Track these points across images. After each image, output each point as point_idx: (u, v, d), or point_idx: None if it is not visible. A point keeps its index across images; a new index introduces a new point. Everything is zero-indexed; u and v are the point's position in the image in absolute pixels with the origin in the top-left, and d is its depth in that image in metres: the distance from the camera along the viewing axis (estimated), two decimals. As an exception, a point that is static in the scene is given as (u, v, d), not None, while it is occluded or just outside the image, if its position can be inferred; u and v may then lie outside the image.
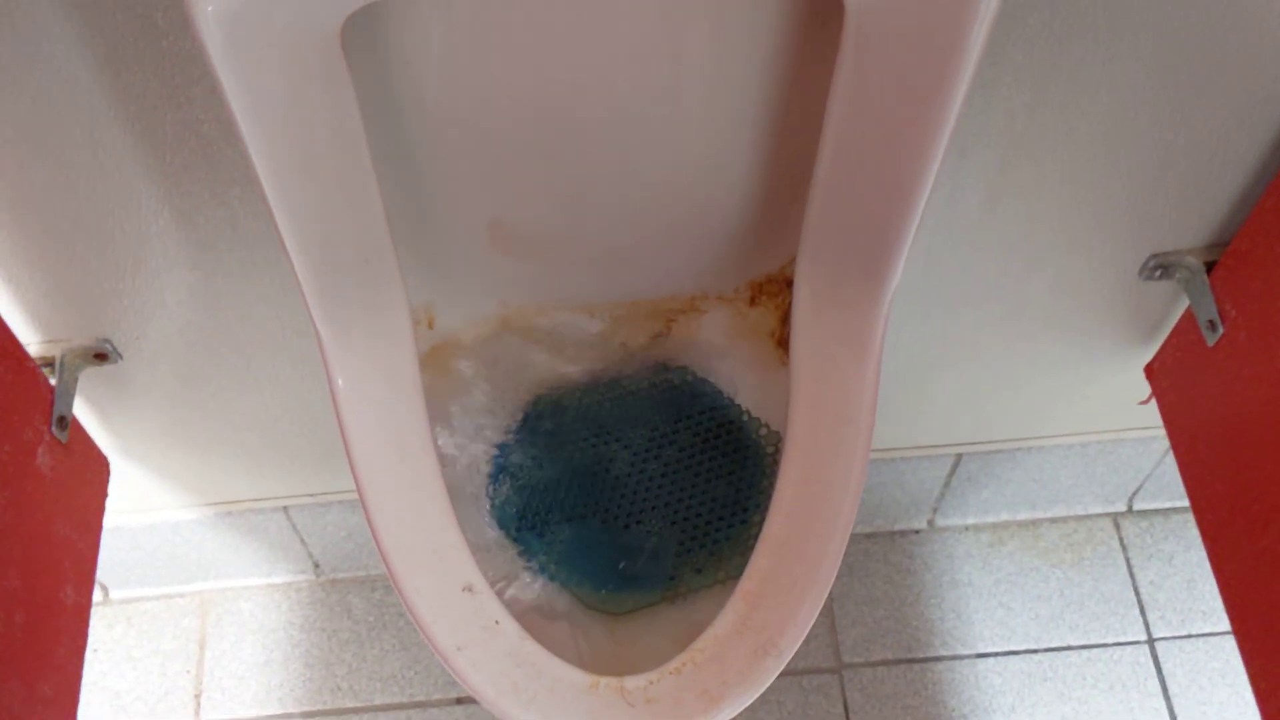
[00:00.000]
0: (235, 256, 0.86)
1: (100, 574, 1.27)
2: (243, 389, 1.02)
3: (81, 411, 1.02)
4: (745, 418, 0.79)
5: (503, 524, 0.75)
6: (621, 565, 0.74)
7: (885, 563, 1.35)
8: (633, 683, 0.64)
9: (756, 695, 0.64)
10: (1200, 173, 0.89)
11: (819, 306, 0.72)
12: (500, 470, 0.77)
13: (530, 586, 0.74)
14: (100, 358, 0.95)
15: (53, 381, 0.92)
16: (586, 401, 0.80)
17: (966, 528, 1.37)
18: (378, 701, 1.26)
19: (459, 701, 1.26)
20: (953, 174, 0.86)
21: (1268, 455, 0.90)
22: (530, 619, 0.69)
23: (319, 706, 1.26)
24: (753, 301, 0.83)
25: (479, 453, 0.78)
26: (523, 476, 0.77)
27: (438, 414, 0.79)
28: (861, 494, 0.69)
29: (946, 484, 1.29)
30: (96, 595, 1.32)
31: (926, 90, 0.57)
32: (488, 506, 0.76)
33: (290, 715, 1.26)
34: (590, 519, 0.75)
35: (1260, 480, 0.91)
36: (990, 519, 1.37)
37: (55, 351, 0.94)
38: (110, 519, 1.17)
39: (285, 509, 1.21)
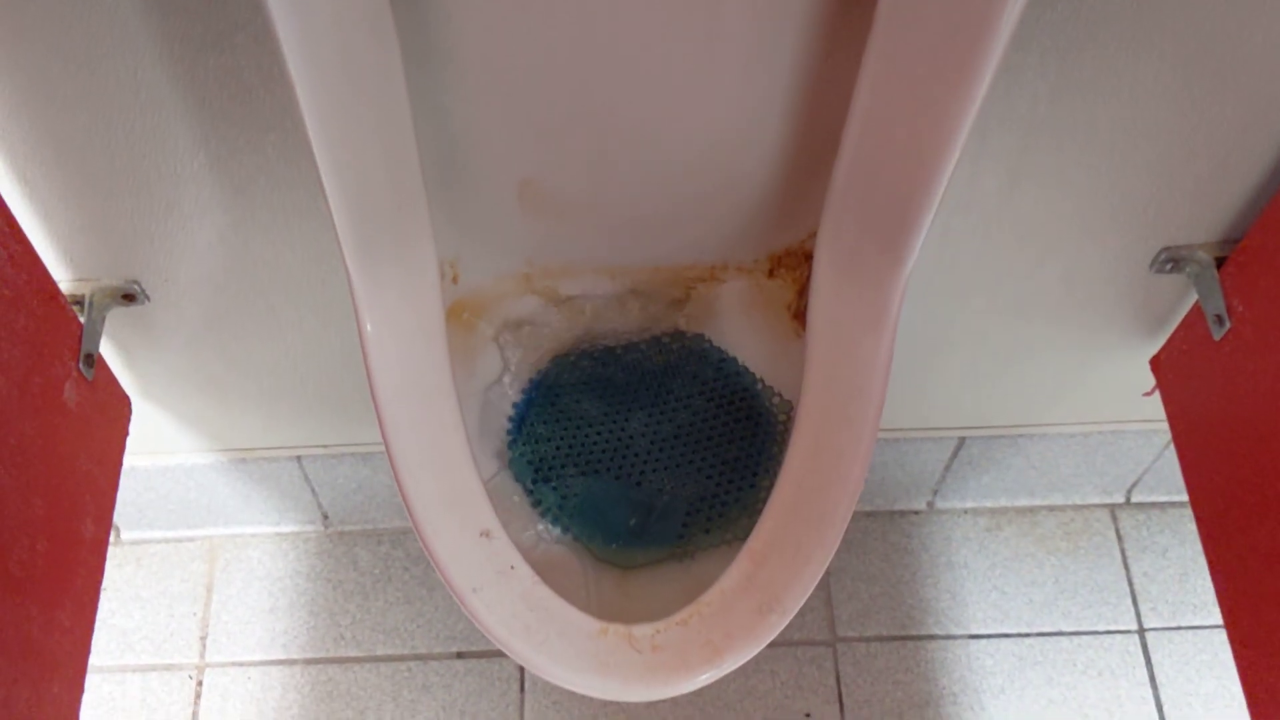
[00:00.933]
0: (266, 203, 0.88)
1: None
2: (265, 336, 1.04)
3: (107, 351, 1.04)
4: (759, 386, 0.81)
5: (519, 476, 0.77)
6: (632, 522, 0.76)
7: (884, 541, 1.37)
8: (640, 631, 0.66)
9: (758, 649, 0.66)
10: (1216, 168, 0.90)
11: (837, 279, 0.74)
12: (518, 425, 0.79)
13: (543, 538, 0.76)
14: (128, 298, 0.97)
15: (81, 320, 0.94)
16: (604, 362, 0.82)
17: (965, 511, 1.39)
18: (379, 652, 1.29)
19: (459, 656, 1.29)
20: (974, 156, 0.88)
21: (1268, 451, 0.92)
22: (543, 569, 0.71)
23: (321, 654, 1.29)
24: (771, 273, 0.85)
25: (497, 406, 0.80)
26: (539, 431, 0.79)
27: (459, 367, 0.81)
28: (870, 464, 0.71)
29: (948, 466, 1.31)
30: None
31: (955, 68, 0.59)
32: (505, 459, 0.78)
33: (293, 661, 1.28)
34: (603, 475, 0.77)
35: (1259, 475, 0.93)
36: (989, 504, 1.39)
37: (85, 290, 0.96)
38: (127, 460, 1.19)
39: (298, 458, 1.23)
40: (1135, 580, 1.35)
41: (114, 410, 1.02)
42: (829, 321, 0.74)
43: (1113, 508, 1.39)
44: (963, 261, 1.00)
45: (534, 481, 0.77)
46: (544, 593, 0.67)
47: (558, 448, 0.78)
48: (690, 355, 0.83)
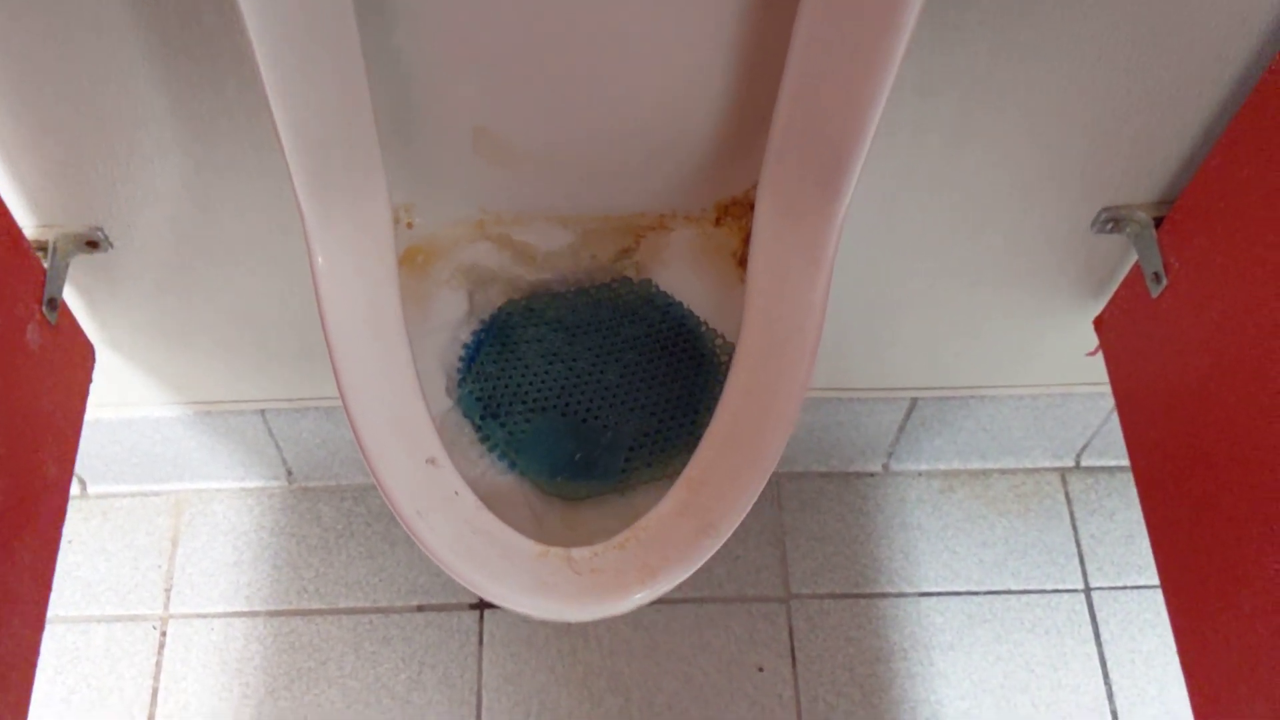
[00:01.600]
0: (227, 148, 0.90)
1: (79, 468, 1.31)
2: (228, 285, 1.06)
3: (72, 299, 1.06)
4: (703, 328, 0.84)
5: (468, 413, 0.80)
6: (577, 456, 0.78)
7: (839, 502, 1.40)
8: (579, 553, 0.68)
9: (692, 570, 0.69)
10: (1153, 128, 0.93)
11: (777, 222, 0.76)
12: (468, 364, 0.82)
13: (490, 472, 0.78)
14: (92, 245, 0.99)
15: (45, 265, 0.96)
16: (554, 305, 0.85)
17: (920, 473, 1.42)
18: (341, 605, 1.31)
19: (420, 609, 1.31)
20: (917, 115, 0.90)
21: (1200, 406, 0.95)
22: (490, 502, 0.73)
23: (284, 607, 1.31)
24: (718, 222, 0.88)
25: (449, 347, 0.83)
26: (488, 370, 0.81)
27: (412, 309, 0.83)
28: (804, 397, 0.73)
29: (901, 428, 1.34)
30: (74, 489, 1.36)
31: (878, 20, 0.62)
32: (456, 397, 0.81)
33: (256, 614, 1.31)
34: (550, 412, 0.80)
35: (1192, 431, 0.96)
36: (942, 466, 1.42)
37: (49, 236, 0.97)
38: (92, 412, 1.21)
39: (262, 412, 1.25)
40: (1083, 542, 1.38)
41: (77, 355, 1.04)
42: (768, 263, 0.77)
43: (1063, 471, 1.43)
44: (910, 222, 1.02)
45: (482, 417, 0.79)
46: (487, 517, 0.69)
47: (506, 385, 0.81)
48: (638, 300, 0.85)
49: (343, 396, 0.71)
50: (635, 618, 1.31)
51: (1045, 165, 0.97)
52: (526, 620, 1.31)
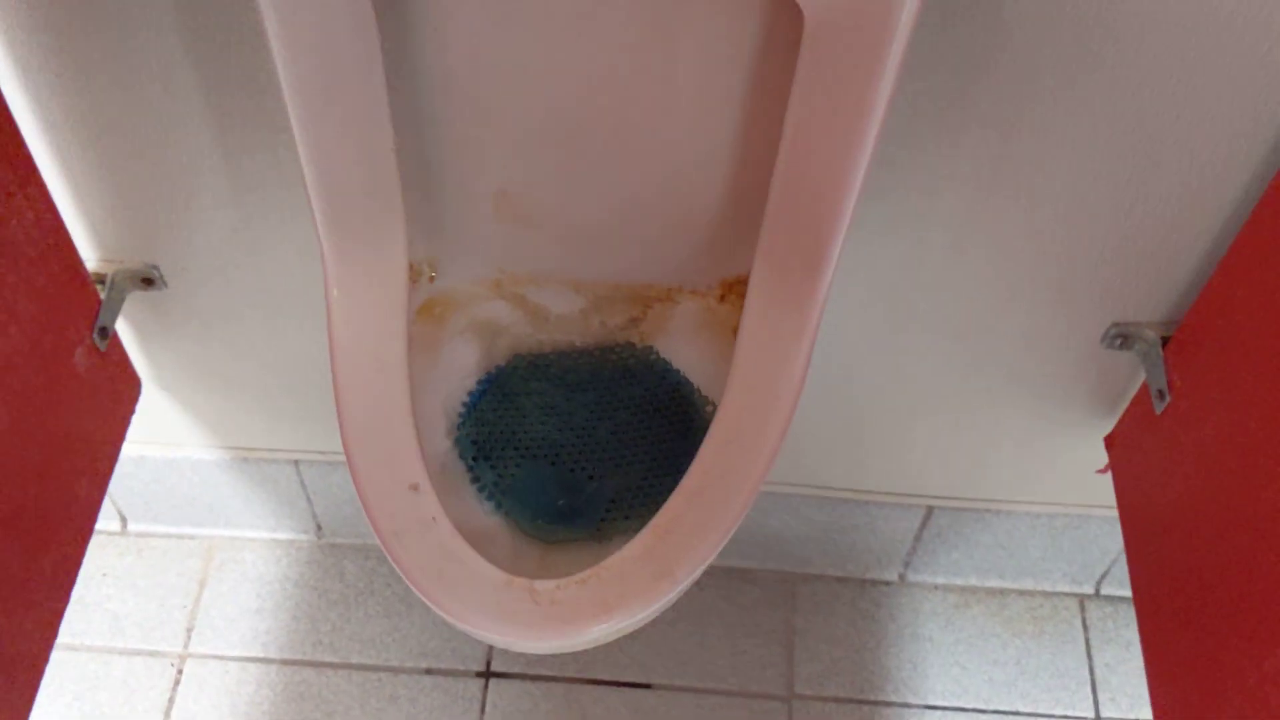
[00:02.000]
0: (275, 201, 0.97)
1: (122, 504, 1.37)
2: (271, 334, 1.12)
3: (126, 334, 1.13)
4: (696, 395, 0.88)
5: (462, 454, 0.84)
6: (560, 502, 0.82)
7: (852, 607, 1.40)
8: (542, 585, 0.71)
9: (648, 611, 0.71)
10: (1158, 246, 0.96)
11: (765, 296, 0.81)
12: (470, 410, 0.86)
13: (477, 510, 0.82)
14: (148, 282, 1.07)
15: (102, 296, 1.04)
16: (558, 363, 0.89)
17: (936, 586, 1.42)
18: (354, 661, 1.34)
19: (428, 672, 1.34)
20: (921, 214, 0.95)
21: (1200, 529, 0.94)
22: (472, 536, 0.76)
23: (299, 656, 1.34)
24: (722, 298, 0.92)
25: (454, 393, 0.87)
26: (487, 416, 0.85)
27: (424, 356, 0.88)
28: (775, 460, 0.76)
29: (918, 537, 1.35)
30: (115, 525, 1.43)
31: (857, 92, 0.66)
32: (452, 439, 0.85)
33: (271, 661, 1.34)
34: (540, 460, 0.84)
35: (1192, 555, 0.95)
36: (959, 581, 1.42)
37: (109, 270, 1.05)
38: (139, 449, 1.28)
39: (296, 463, 1.30)
40: (1097, 670, 1.36)
41: (123, 385, 1.10)
42: (754, 333, 0.80)
43: (1081, 598, 1.42)
44: (918, 321, 1.06)
45: (474, 459, 0.83)
46: (459, 545, 0.73)
47: (501, 432, 0.85)
48: (638, 363, 0.89)
49: (340, 418, 0.76)
50: (636, 703, 1.32)
51: (1052, 274, 1.00)
52: (530, 694, 1.33)
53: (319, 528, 1.42)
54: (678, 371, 0.89)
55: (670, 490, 0.80)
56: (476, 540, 0.76)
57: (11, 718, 0.94)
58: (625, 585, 0.72)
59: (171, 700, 1.32)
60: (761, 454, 0.76)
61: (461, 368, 0.89)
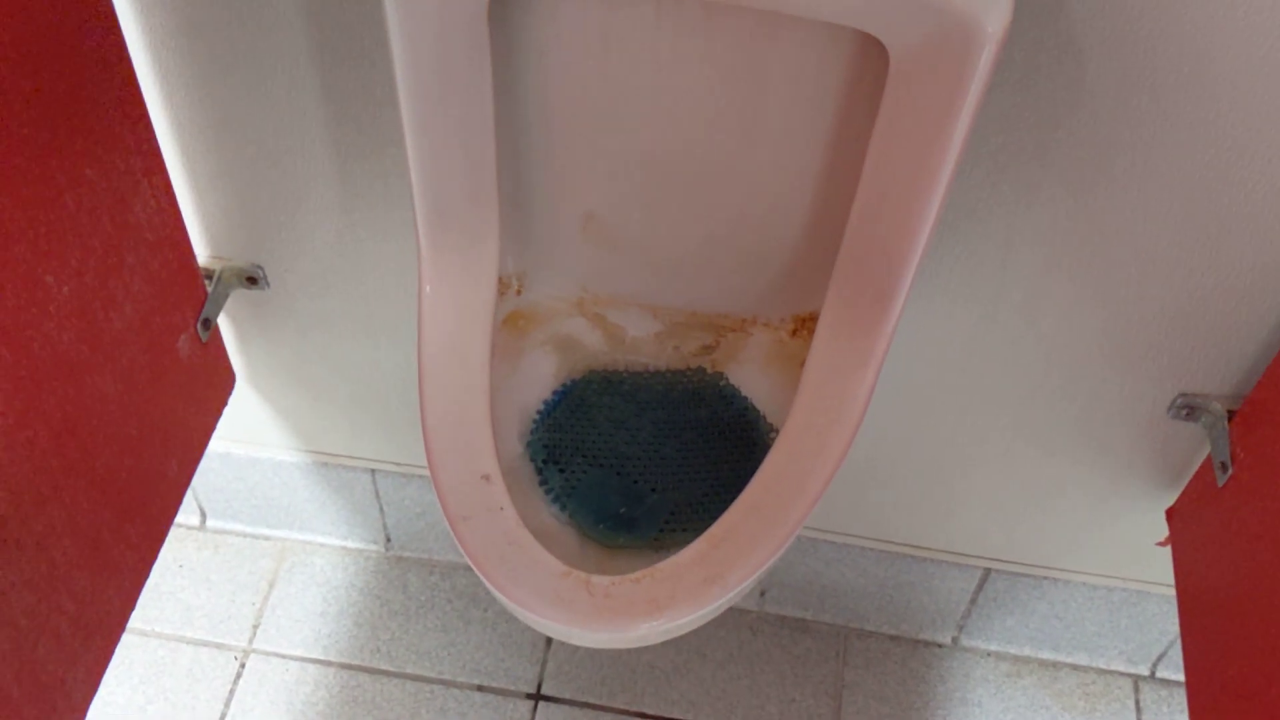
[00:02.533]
0: (380, 214, 1.03)
1: (203, 499, 1.43)
2: (362, 343, 1.18)
3: (226, 331, 1.20)
4: (761, 423, 0.91)
5: (533, 457, 0.88)
6: (621, 510, 0.85)
7: (903, 666, 1.40)
8: (598, 579, 0.75)
9: (697, 613, 0.74)
10: (1228, 317, 0.97)
11: (835, 326, 0.84)
12: (543, 417, 0.90)
13: (543, 511, 0.86)
14: (252, 281, 1.13)
15: (209, 290, 1.10)
16: (631, 381, 0.93)
17: (989, 653, 1.42)
18: (409, 671, 1.38)
19: (480, 689, 1.37)
20: (999, 265, 0.97)
21: (1258, 609, 0.93)
22: (536, 534, 0.80)
23: (357, 662, 1.38)
24: (794, 333, 0.95)
25: (530, 401, 0.91)
26: (559, 423, 0.89)
27: (505, 363, 0.92)
28: (831, 481, 0.79)
29: (974, 600, 1.35)
30: (195, 520, 1.49)
31: (935, 129, 0.70)
32: (524, 443, 0.89)
33: (330, 664, 1.38)
34: (606, 469, 0.87)
35: (1247, 639, 0.93)
36: (1013, 650, 1.42)
37: (217, 266, 1.12)
38: (224, 446, 1.34)
39: (373, 473, 1.35)
40: (1148, 752, 1.35)
41: (219, 377, 1.16)
42: (822, 360, 0.84)
43: (1136, 679, 1.40)
44: (989, 378, 1.08)
45: (544, 463, 0.87)
46: (523, 534, 0.77)
47: (571, 440, 0.89)
48: (707, 388, 0.93)
49: (422, 408, 0.81)
50: (682, 739, 1.34)
51: (1121, 340, 1.01)
52: (581, 711, 1.35)
53: (388, 539, 1.46)
54: (745, 399, 0.92)
55: (727, 508, 0.83)
56: (540, 537, 0.80)
57: (86, 679, 0.99)
58: (677, 586, 0.74)
59: (232, 692, 1.36)
60: (819, 474, 0.79)
61: (539, 378, 0.93)
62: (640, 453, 0.89)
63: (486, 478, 0.79)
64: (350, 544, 1.48)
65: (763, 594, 1.43)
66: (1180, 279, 0.95)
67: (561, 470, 0.87)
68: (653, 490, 0.87)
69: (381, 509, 1.41)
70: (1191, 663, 1.04)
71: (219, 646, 1.40)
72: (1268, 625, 0.90)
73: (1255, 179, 0.86)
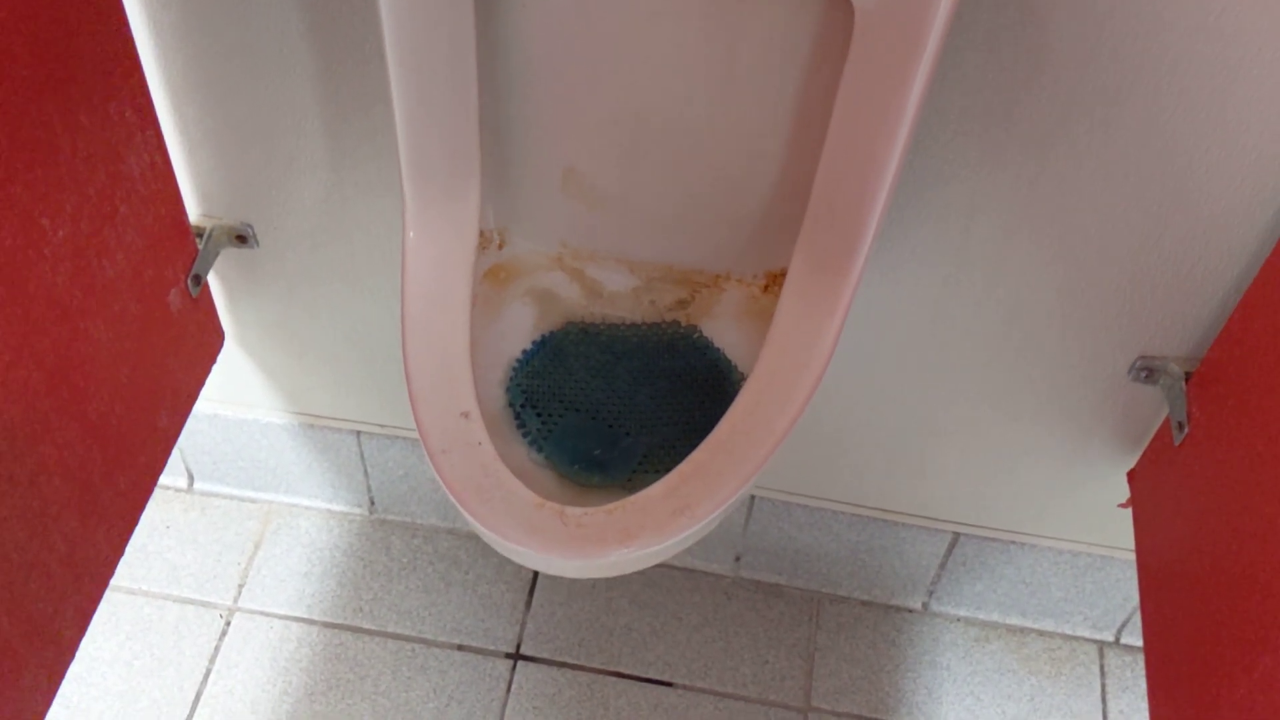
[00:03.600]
0: (367, 173, 1.06)
1: (191, 461, 1.46)
2: (348, 302, 1.21)
3: (215, 289, 1.22)
4: (733, 373, 0.94)
5: (511, 401, 0.91)
6: (596, 452, 0.88)
7: (874, 630, 1.44)
8: (571, 511, 0.78)
9: (665, 543, 0.77)
10: (1185, 279, 1.01)
11: (802, 277, 0.87)
12: (523, 364, 0.93)
13: (519, 452, 0.89)
14: (241, 240, 1.16)
15: (200, 248, 1.13)
16: (607, 332, 0.96)
17: (957, 619, 1.45)
18: (391, 630, 1.41)
19: (460, 648, 1.40)
20: (961, 236, 1.01)
21: (1214, 565, 0.95)
22: (512, 471, 0.83)
23: (339, 620, 1.41)
24: (766, 289, 0.98)
25: (510, 349, 0.95)
26: (537, 370, 0.92)
27: (486, 313, 0.96)
28: (798, 421, 0.82)
29: (943, 565, 1.39)
30: (182, 482, 1.51)
31: (897, 78, 0.74)
32: (504, 389, 0.92)
33: (313, 622, 1.41)
34: (581, 413, 0.90)
35: (1204, 600, 0.95)
36: (981, 616, 1.45)
37: (207, 224, 1.14)
38: (212, 407, 1.37)
39: (359, 434, 1.38)
40: (1110, 715, 1.38)
41: (208, 334, 1.19)
42: (790, 309, 0.87)
43: (1101, 645, 1.44)
44: (953, 341, 1.11)
45: (522, 407, 0.90)
46: (499, 468, 0.80)
47: (548, 386, 0.92)
48: (681, 340, 0.96)
49: (404, 348, 0.84)
50: (657, 699, 1.37)
51: (1083, 300, 1.05)
52: (555, 679, 1.38)
53: (372, 503, 1.49)
54: (718, 350, 0.96)
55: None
56: (518, 476, 0.83)
57: (75, 621, 1.01)
58: (647, 517, 0.78)
59: (218, 649, 1.39)
60: (785, 416, 0.82)
61: (519, 328, 0.96)
62: (615, 400, 0.92)
63: (465, 415, 0.82)
64: (335, 507, 1.50)
65: (738, 559, 1.46)
66: (1139, 240, 0.99)
67: (539, 414, 0.90)
68: (627, 434, 0.90)
69: (366, 471, 1.43)
70: (1149, 622, 1.07)
71: (205, 605, 1.42)
72: (1221, 581, 0.93)
73: (1210, 140, 0.90)
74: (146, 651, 1.38)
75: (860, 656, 1.41)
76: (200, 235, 1.14)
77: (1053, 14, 0.85)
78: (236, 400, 1.37)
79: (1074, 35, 0.85)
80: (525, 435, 0.90)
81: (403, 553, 1.47)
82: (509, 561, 1.47)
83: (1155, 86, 0.87)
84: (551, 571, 0.81)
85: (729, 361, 0.95)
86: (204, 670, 1.37)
